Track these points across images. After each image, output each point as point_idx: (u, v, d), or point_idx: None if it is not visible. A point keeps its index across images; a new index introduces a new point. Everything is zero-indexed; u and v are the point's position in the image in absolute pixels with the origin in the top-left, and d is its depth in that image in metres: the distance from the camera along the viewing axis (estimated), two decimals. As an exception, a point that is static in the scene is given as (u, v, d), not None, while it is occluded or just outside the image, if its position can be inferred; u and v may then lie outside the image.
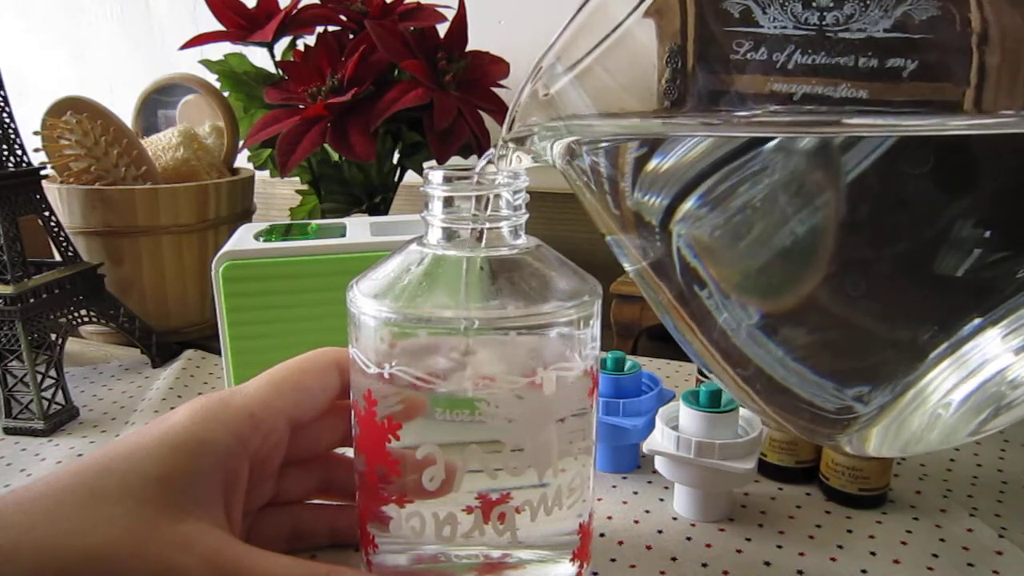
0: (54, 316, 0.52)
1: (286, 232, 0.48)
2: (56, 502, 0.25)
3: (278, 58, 0.65)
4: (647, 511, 0.38)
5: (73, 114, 0.60)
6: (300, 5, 0.63)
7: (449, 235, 0.28)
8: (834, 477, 0.38)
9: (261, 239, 0.46)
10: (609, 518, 0.37)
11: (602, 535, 0.36)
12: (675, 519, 0.37)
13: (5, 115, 0.51)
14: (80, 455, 0.44)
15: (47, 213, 0.55)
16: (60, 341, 0.50)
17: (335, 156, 0.66)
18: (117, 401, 0.52)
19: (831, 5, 0.21)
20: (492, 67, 0.65)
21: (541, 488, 0.28)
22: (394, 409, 0.27)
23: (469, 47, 0.64)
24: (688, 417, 0.36)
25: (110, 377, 0.56)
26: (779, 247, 0.23)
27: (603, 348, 0.32)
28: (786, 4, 0.21)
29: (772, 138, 0.22)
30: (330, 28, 0.63)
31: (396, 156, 0.68)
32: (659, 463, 0.37)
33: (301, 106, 0.60)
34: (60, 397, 0.48)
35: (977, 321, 0.20)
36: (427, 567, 0.29)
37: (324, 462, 0.34)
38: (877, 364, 0.23)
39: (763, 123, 0.22)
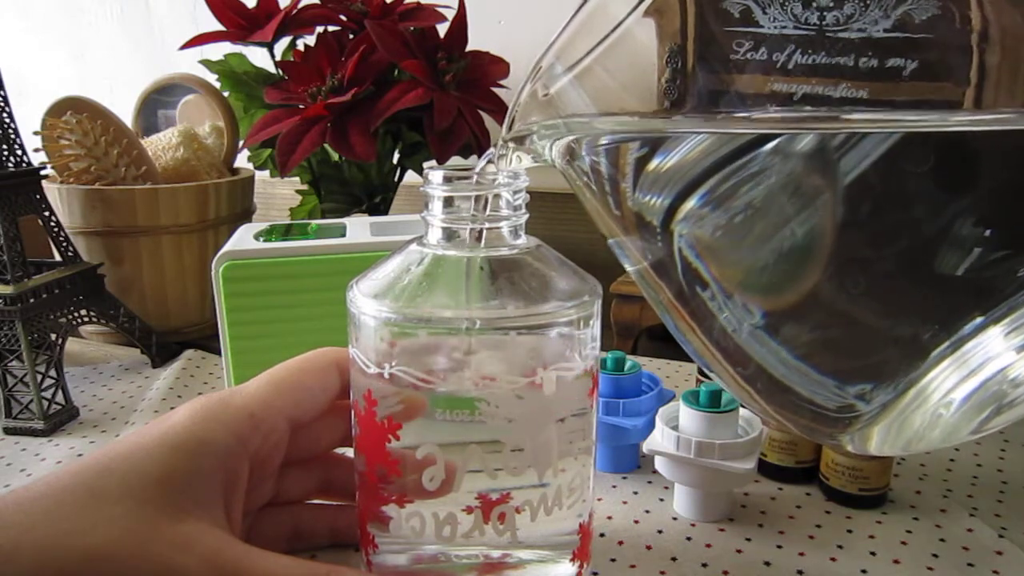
0: (54, 316, 0.52)
1: (286, 232, 0.48)
2: (56, 502, 0.25)
3: (278, 58, 0.65)
4: (647, 511, 0.38)
5: (73, 114, 0.60)
6: (300, 5, 0.63)
7: (449, 235, 0.28)
8: (834, 477, 0.38)
9: (261, 239, 0.46)
10: (609, 518, 0.37)
11: (602, 535, 0.36)
12: (675, 519, 0.37)
13: (5, 115, 0.51)
14: (80, 455, 0.44)
15: (47, 213, 0.55)
16: (60, 341, 0.50)
17: (335, 156, 0.66)
18: (117, 401, 0.52)
19: (831, 5, 0.21)
20: (492, 67, 0.65)
21: (541, 488, 0.28)
22: (394, 409, 0.27)
23: (469, 47, 0.64)
24: (688, 417, 0.36)
25: (110, 377, 0.56)
26: (780, 246, 0.23)
27: (603, 348, 0.32)
28: (786, 4, 0.21)
29: (773, 137, 0.22)
30: (330, 28, 0.63)
31: (396, 156, 0.68)
32: (659, 463, 0.37)
33: (301, 106, 0.60)
34: (60, 397, 0.48)
35: (978, 320, 0.20)
36: (427, 567, 0.29)
37: (324, 462, 0.34)
38: (879, 362, 0.23)
39: (763, 121, 0.22)
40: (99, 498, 0.25)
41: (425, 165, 0.59)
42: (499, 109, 0.64)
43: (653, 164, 0.24)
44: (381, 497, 0.28)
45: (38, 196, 0.54)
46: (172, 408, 0.37)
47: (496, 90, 0.65)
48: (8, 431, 0.47)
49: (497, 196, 0.27)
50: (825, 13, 0.21)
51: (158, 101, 0.76)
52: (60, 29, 1.01)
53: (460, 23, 0.63)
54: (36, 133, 0.60)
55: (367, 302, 0.27)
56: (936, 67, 0.21)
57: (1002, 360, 0.21)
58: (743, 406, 0.37)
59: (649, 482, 0.40)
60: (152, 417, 0.49)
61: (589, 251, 0.50)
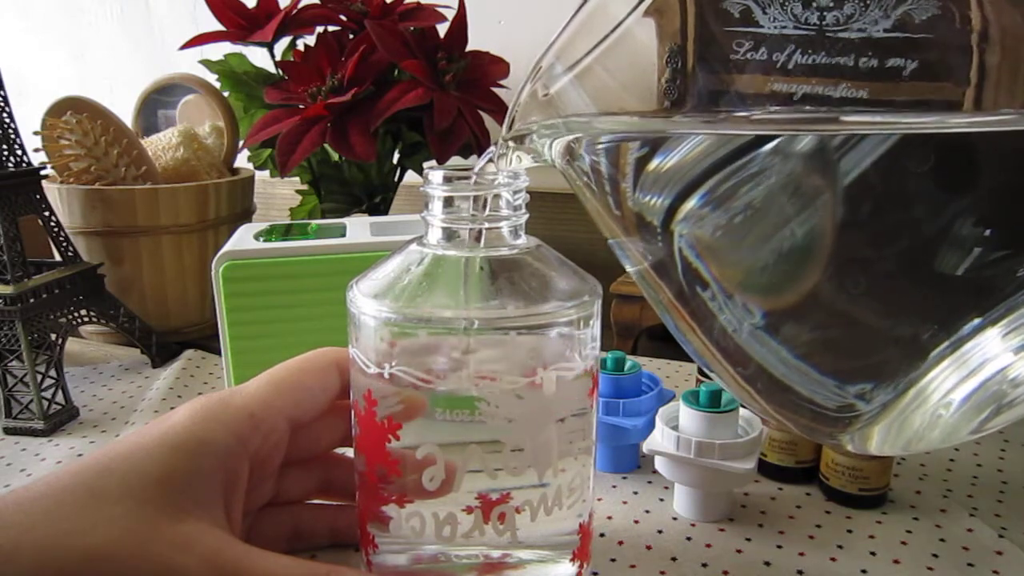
0: (54, 316, 0.52)
1: (286, 232, 0.48)
2: (56, 502, 0.25)
3: (278, 58, 0.65)
4: (647, 511, 0.38)
5: (73, 114, 0.60)
6: (300, 5, 0.63)
7: (449, 235, 0.28)
8: (834, 477, 0.38)
9: (261, 239, 0.46)
10: (609, 518, 0.37)
11: (602, 535, 0.36)
12: (675, 519, 0.37)
13: (5, 115, 0.51)
14: (80, 455, 0.44)
15: (47, 213, 0.55)
16: (60, 341, 0.50)
17: (335, 156, 0.66)
18: (117, 401, 0.52)
19: (831, 5, 0.21)
20: (492, 67, 0.65)
21: (541, 488, 0.28)
22: (394, 409, 0.27)
23: (469, 47, 0.64)
24: (688, 417, 0.36)
25: (110, 377, 0.56)
26: (780, 246, 0.23)
27: (603, 348, 0.32)
28: (786, 4, 0.21)
29: (773, 137, 0.22)
30: (330, 28, 0.63)
31: (396, 156, 0.68)
32: (659, 463, 0.37)
33: (301, 106, 0.60)
34: (60, 397, 0.48)
35: (977, 320, 0.20)
36: (427, 567, 0.29)
37: (324, 462, 0.34)
38: (879, 362, 0.23)
39: (763, 121, 0.22)
40: (99, 498, 0.25)
41: (425, 165, 0.59)
42: (499, 109, 0.64)
43: (653, 164, 0.24)
44: (381, 497, 0.28)
45: (38, 196, 0.54)
46: (172, 408, 0.37)
47: (496, 90, 0.65)
48: (8, 431, 0.47)
49: (497, 196, 0.27)
50: (825, 13, 0.21)
51: (158, 101, 0.76)
52: (60, 29, 1.01)
53: (460, 23, 0.63)
54: (36, 133, 0.60)
55: (367, 302, 0.27)
56: (936, 67, 0.21)
57: (1001, 361, 0.21)
58: (743, 406, 0.37)
59: (649, 482, 0.40)
60: (152, 417, 0.49)
61: (589, 251, 0.50)
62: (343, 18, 0.62)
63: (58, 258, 0.57)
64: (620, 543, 0.35)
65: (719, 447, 0.35)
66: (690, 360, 0.29)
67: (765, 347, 0.24)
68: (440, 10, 0.63)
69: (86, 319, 0.56)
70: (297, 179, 0.68)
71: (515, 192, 0.28)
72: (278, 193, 0.89)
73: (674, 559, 0.34)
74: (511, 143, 0.27)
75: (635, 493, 0.40)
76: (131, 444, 0.27)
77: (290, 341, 0.37)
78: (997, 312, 0.20)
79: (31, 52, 1.03)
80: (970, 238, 0.20)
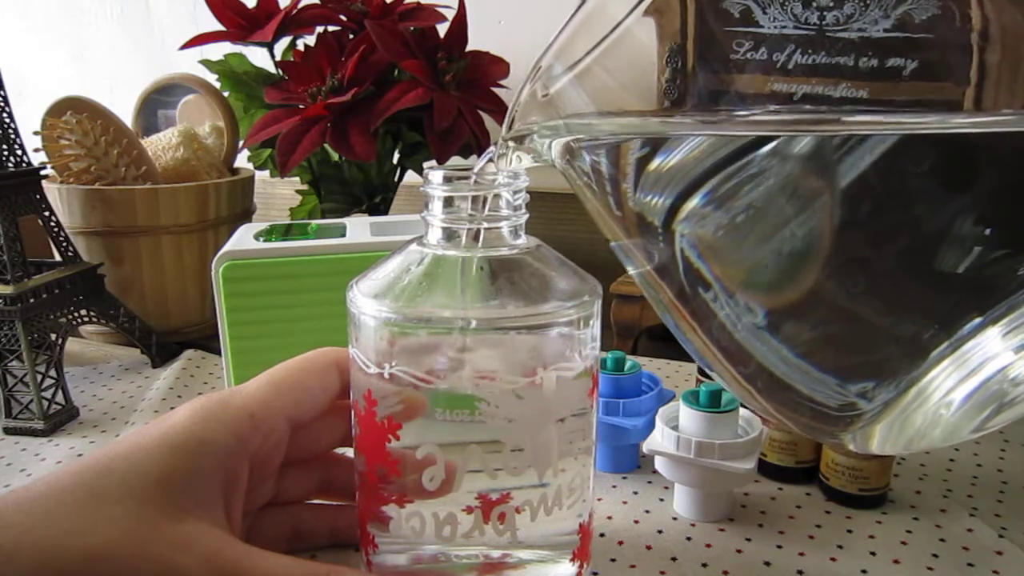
0: (54, 316, 0.52)
1: (286, 232, 0.48)
2: (56, 502, 0.25)
3: (278, 58, 0.65)
4: (647, 511, 0.38)
5: (73, 114, 0.60)
6: (300, 5, 0.63)
7: (449, 235, 0.28)
8: (834, 477, 0.38)
9: (261, 239, 0.46)
10: (609, 518, 0.37)
11: (602, 535, 0.36)
12: (675, 519, 0.37)
13: (5, 115, 0.51)
14: (80, 455, 0.44)
15: (47, 213, 0.55)
16: (60, 341, 0.50)
17: (335, 156, 0.66)
18: (117, 401, 0.52)
19: (831, 5, 0.21)
20: (492, 67, 0.65)
21: (541, 488, 0.28)
22: (394, 409, 0.27)
23: (469, 47, 0.64)
24: (688, 417, 0.36)
25: (110, 377, 0.56)
26: (782, 245, 0.23)
27: (603, 348, 0.32)
28: (786, 4, 0.21)
29: (773, 137, 0.22)
30: (330, 28, 0.63)
31: (396, 156, 0.68)
32: (659, 463, 0.37)
33: (301, 106, 0.60)
34: (60, 397, 0.48)
35: (977, 319, 0.20)
36: (427, 567, 0.29)
37: (324, 462, 0.34)
38: (881, 360, 0.23)
39: (763, 122, 0.22)
40: (99, 498, 0.25)
41: (425, 165, 0.59)
42: (499, 109, 0.64)
43: (654, 164, 0.24)
44: (381, 497, 0.28)
45: (38, 196, 0.54)
46: (172, 408, 0.37)
47: (496, 90, 0.65)
48: (8, 431, 0.47)
49: (497, 196, 0.27)
50: (825, 13, 0.21)
51: (158, 101, 0.76)
52: (60, 29, 1.01)
53: (460, 23, 0.63)
54: (36, 133, 0.60)
55: (367, 302, 0.27)
56: (936, 67, 0.21)
57: (1001, 360, 0.21)
58: (743, 406, 0.37)
59: (649, 482, 0.40)
60: (152, 417, 0.49)
61: (589, 251, 0.50)
62: (343, 18, 0.62)
63: (58, 258, 0.57)
64: (620, 543, 0.35)
65: (719, 447, 0.35)
66: (690, 360, 0.29)
67: (766, 346, 0.24)
68: (440, 10, 0.63)
69: (86, 319, 0.56)
70: (297, 179, 0.68)
71: (515, 192, 0.28)
72: (278, 193, 0.89)
73: (674, 559, 0.34)
74: (511, 143, 0.27)
75: (635, 493, 0.40)
76: (131, 444, 0.27)
77: (290, 341, 0.37)
78: (997, 311, 0.20)
79: (31, 52, 1.03)
80: (970, 237, 0.20)
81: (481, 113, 0.63)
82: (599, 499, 0.39)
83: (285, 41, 0.66)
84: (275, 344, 0.42)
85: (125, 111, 0.70)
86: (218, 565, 0.25)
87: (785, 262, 0.23)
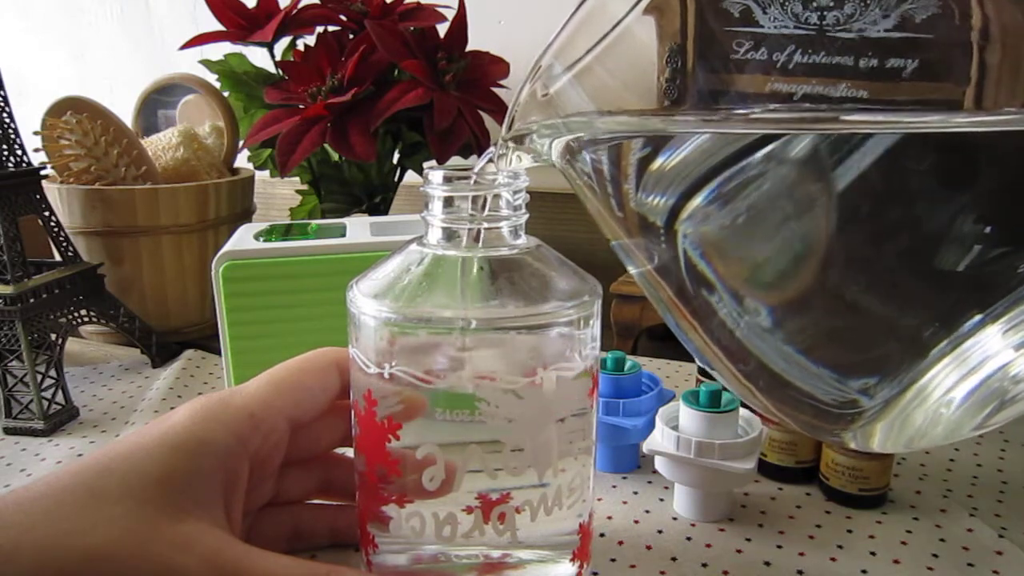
0: (54, 316, 0.52)
1: (286, 232, 0.48)
2: (56, 502, 0.25)
3: (278, 58, 0.65)
4: (647, 511, 0.38)
5: (73, 114, 0.60)
6: (300, 5, 0.63)
7: (449, 235, 0.28)
8: (834, 477, 0.38)
9: (261, 239, 0.46)
10: (609, 518, 0.37)
11: (602, 535, 0.36)
12: (675, 519, 0.37)
13: (5, 115, 0.51)
14: (80, 455, 0.44)
15: (47, 213, 0.55)
16: (60, 341, 0.50)
17: (335, 156, 0.66)
18: (117, 401, 0.52)
19: (831, 5, 0.21)
20: (492, 67, 0.65)
21: (541, 488, 0.28)
22: (394, 409, 0.27)
23: (469, 47, 0.64)
24: (688, 417, 0.36)
25: (110, 377, 0.56)
26: (784, 244, 0.23)
27: (603, 348, 0.32)
28: (786, 4, 0.21)
29: (774, 137, 0.22)
30: (330, 28, 0.63)
31: (396, 156, 0.68)
32: (659, 463, 0.37)
33: (301, 106, 0.60)
34: (60, 397, 0.48)
35: (977, 317, 0.20)
36: (427, 567, 0.29)
37: (324, 462, 0.34)
38: (882, 357, 0.23)
39: (763, 120, 0.22)
40: (99, 498, 0.25)
41: (425, 165, 0.59)
42: (499, 109, 0.64)
43: (656, 163, 0.24)
44: (381, 497, 0.28)
45: (38, 196, 0.54)
46: (172, 408, 0.37)
47: (496, 90, 0.65)
48: (8, 431, 0.47)
49: (497, 196, 0.27)
50: (825, 13, 0.21)
51: (158, 101, 0.76)
52: (60, 29, 1.01)
53: (460, 23, 0.63)
54: (36, 133, 0.60)
55: (367, 302, 0.27)
56: (936, 66, 0.21)
57: (1002, 358, 0.21)
58: (744, 405, 0.37)
59: (649, 482, 0.40)
60: (152, 417, 0.49)
61: (589, 251, 0.50)
62: (343, 18, 0.62)
63: (58, 258, 0.57)
64: (620, 543, 0.35)
65: (719, 447, 0.35)
66: (690, 360, 0.29)
67: (768, 344, 0.24)
68: (440, 10, 0.63)
69: (86, 319, 0.56)
70: (297, 179, 0.68)
71: (515, 192, 0.28)
72: (278, 193, 0.89)
73: (674, 559, 0.34)
74: (511, 143, 0.27)
75: (635, 493, 0.40)
76: (131, 444, 0.27)
77: (290, 341, 0.37)
78: (997, 309, 0.20)
79: (31, 52, 1.03)
80: (970, 235, 0.20)
81: (481, 113, 0.63)
82: (599, 499, 0.39)
83: (285, 41, 0.66)
84: (275, 344, 0.42)
85: (125, 111, 0.70)
86: (218, 565, 0.25)
87: (787, 260, 0.23)
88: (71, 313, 0.54)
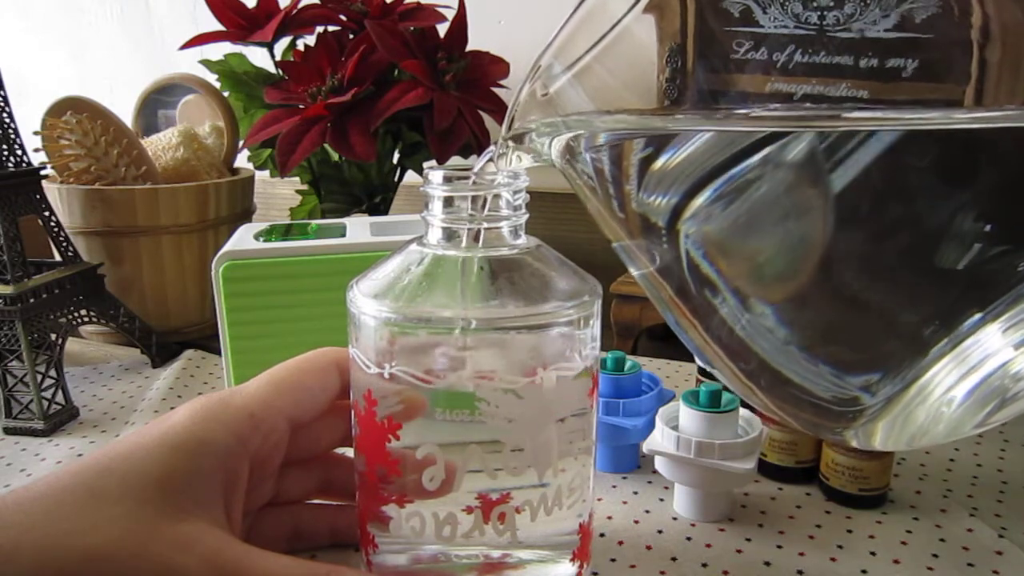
0: (54, 316, 0.52)
1: (286, 232, 0.48)
2: (56, 502, 0.25)
3: (278, 58, 0.65)
4: (647, 511, 0.38)
5: (73, 114, 0.60)
6: (300, 5, 0.63)
7: (449, 235, 0.28)
8: (834, 477, 0.38)
9: (261, 239, 0.46)
10: (609, 518, 0.37)
11: (602, 535, 0.36)
12: (675, 519, 0.37)
13: (5, 115, 0.51)
14: (80, 455, 0.44)
15: (47, 213, 0.55)
16: (60, 341, 0.50)
17: (335, 156, 0.66)
18: (117, 401, 0.52)
19: (831, 4, 0.21)
20: (492, 67, 0.65)
21: (541, 488, 0.28)
22: (394, 409, 0.27)
23: (469, 47, 0.64)
24: (688, 417, 0.36)
25: (110, 377, 0.56)
26: (785, 243, 0.23)
27: (603, 348, 0.32)
28: (786, 3, 0.21)
29: (775, 136, 0.22)
30: (330, 28, 0.63)
31: (396, 156, 0.68)
32: (659, 463, 0.37)
33: (301, 106, 0.60)
34: (60, 397, 0.48)
35: (977, 316, 0.20)
36: (427, 567, 0.29)
37: (324, 462, 0.34)
38: (883, 354, 0.23)
39: (764, 118, 0.22)
40: (99, 498, 0.25)
41: (425, 165, 0.59)
42: (499, 109, 0.64)
43: (658, 163, 0.24)
44: (381, 497, 0.28)
45: (38, 196, 0.54)
46: (172, 408, 0.37)
47: (496, 90, 0.65)
48: (8, 431, 0.47)
49: (497, 196, 0.27)
50: (825, 13, 0.21)
51: (158, 101, 0.76)
52: (60, 29, 1.01)
53: (460, 23, 0.63)
54: (36, 133, 0.60)
55: (367, 302, 0.27)
56: (937, 66, 0.21)
57: (1002, 356, 0.21)
58: (744, 405, 0.37)
59: (649, 482, 0.40)
60: (152, 417, 0.49)
61: (589, 251, 0.50)
62: (343, 18, 0.62)
63: (58, 258, 0.57)
64: (620, 543, 0.35)
65: (719, 447, 0.35)
66: (690, 360, 0.29)
67: (770, 342, 0.24)
68: (440, 10, 0.63)
69: (86, 319, 0.56)
70: (297, 179, 0.68)
71: (515, 192, 0.28)
72: (278, 193, 0.89)
73: (674, 559, 0.34)
74: (511, 143, 0.27)
75: (635, 493, 0.40)
76: (131, 444, 0.27)
77: (290, 341, 0.37)
78: (997, 307, 0.20)
79: (31, 52, 1.03)
80: (971, 233, 0.20)
81: (481, 113, 0.63)
82: (599, 499, 0.39)
83: (285, 41, 0.66)
84: (275, 344, 0.42)
85: (125, 111, 0.70)
86: (218, 565, 0.25)
87: (790, 259, 0.23)
88: (71, 313, 0.54)
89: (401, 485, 0.28)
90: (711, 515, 0.37)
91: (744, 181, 0.22)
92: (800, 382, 0.24)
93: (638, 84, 0.25)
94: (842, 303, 0.23)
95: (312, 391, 0.31)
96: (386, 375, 0.27)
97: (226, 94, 0.68)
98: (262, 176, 0.74)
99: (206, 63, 0.66)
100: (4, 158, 0.51)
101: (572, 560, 0.30)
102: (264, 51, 0.64)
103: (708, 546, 0.35)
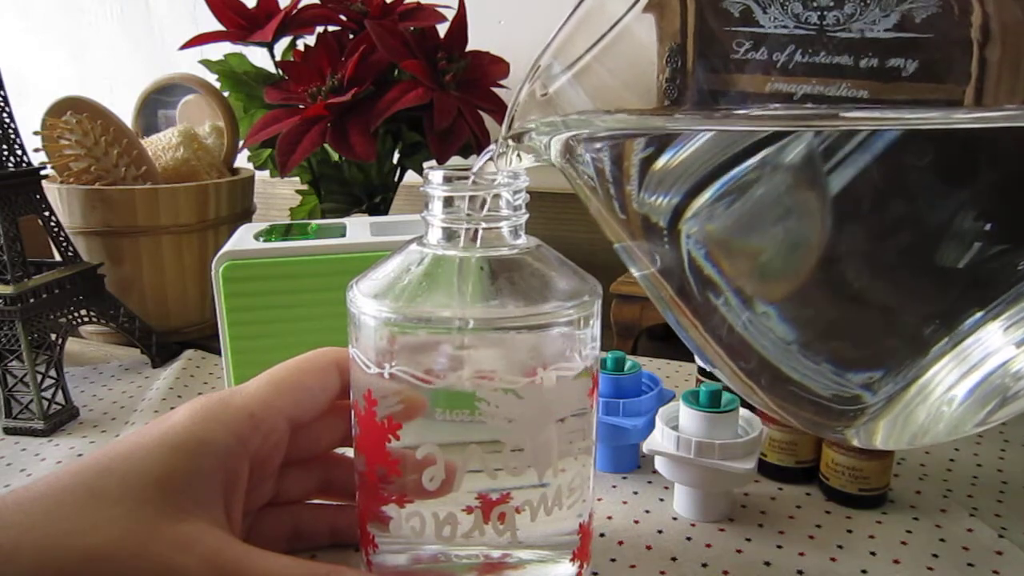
0: (54, 316, 0.52)
1: (286, 232, 0.48)
2: (56, 502, 0.25)
3: (278, 58, 0.65)
4: (647, 511, 0.38)
5: (73, 114, 0.60)
6: (300, 5, 0.63)
7: (449, 235, 0.28)
8: (834, 477, 0.38)
9: (261, 239, 0.46)
10: (609, 518, 0.37)
11: (602, 535, 0.36)
12: (675, 519, 0.37)
13: (5, 115, 0.51)
14: (80, 455, 0.44)
15: (47, 213, 0.55)
16: (60, 341, 0.50)
17: (335, 156, 0.66)
18: (117, 401, 0.52)
19: (831, 4, 0.21)
20: (492, 67, 0.65)
21: (541, 488, 0.28)
22: (394, 409, 0.27)
23: (469, 47, 0.64)
24: (688, 417, 0.36)
25: (110, 377, 0.56)
26: (787, 242, 0.23)
27: (603, 348, 0.32)
28: (786, 3, 0.21)
29: (777, 136, 0.22)
30: (330, 28, 0.63)
31: (396, 156, 0.68)
32: (659, 463, 0.37)
33: (301, 106, 0.60)
34: (60, 397, 0.48)
35: (977, 315, 0.20)
36: (427, 567, 0.29)
37: (324, 462, 0.34)
38: (883, 355, 0.23)
39: (764, 117, 0.22)
40: (99, 498, 0.25)
41: (425, 165, 0.59)
42: (499, 109, 0.64)
43: (659, 163, 0.24)
44: (381, 497, 0.28)
45: (38, 196, 0.54)
46: (172, 408, 0.37)
47: (496, 90, 0.65)
48: (8, 431, 0.47)
49: (497, 196, 0.27)
50: (825, 12, 0.21)
51: (158, 101, 0.76)
52: (60, 29, 1.01)
53: (460, 23, 0.63)
54: (36, 133, 0.60)
55: (367, 302, 0.27)
56: (937, 66, 0.21)
57: (1003, 355, 0.21)
58: (744, 405, 0.37)
59: (649, 482, 0.40)
60: (152, 417, 0.49)
61: (589, 251, 0.50)
62: (343, 18, 0.62)
63: (58, 258, 0.57)
64: (620, 543, 0.35)
65: (719, 447, 0.35)
66: (690, 360, 0.29)
67: (770, 340, 0.24)
68: (440, 10, 0.63)
69: (86, 319, 0.56)
70: (297, 179, 0.68)
71: (515, 192, 0.28)
72: (278, 193, 0.89)
73: (674, 559, 0.34)
74: (511, 142, 0.27)
75: (635, 493, 0.40)
76: (131, 444, 0.27)
77: (290, 341, 0.37)
78: (998, 306, 0.20)
79: (31, 52, 1.03)
80: (971, 232, 0.20)
81: (481, 113, 0.63)
82: (599, 499, 0.39)
83: (285, 41, 0.66)
84: (275, 344, 0.42)
85: (125, 111, 0.70)
86: (218, 565, 0.25)
87: (792, 258, 0.23)
88: (71, 313, 0.54)
89: (401, 485, 0.28)
90: (711, 515, 0.37)
91: (745, 181, 0.22)
92: (801, 380, 0.24)
93: (638, 84, 0.25)
94: (843, 301, 0.23)
95: (312, 391, 0.31)
96: (386, 375, 0.27)
97: (226, 94, 0.68)
98: (262, 176, 0.75)
99: (206, 63, 0.66)
100: (4, 158, 0.51)
101: (572, 560, 0.30)
102: (264, 51, 0.64)
103: (708, 546, 0.35)
